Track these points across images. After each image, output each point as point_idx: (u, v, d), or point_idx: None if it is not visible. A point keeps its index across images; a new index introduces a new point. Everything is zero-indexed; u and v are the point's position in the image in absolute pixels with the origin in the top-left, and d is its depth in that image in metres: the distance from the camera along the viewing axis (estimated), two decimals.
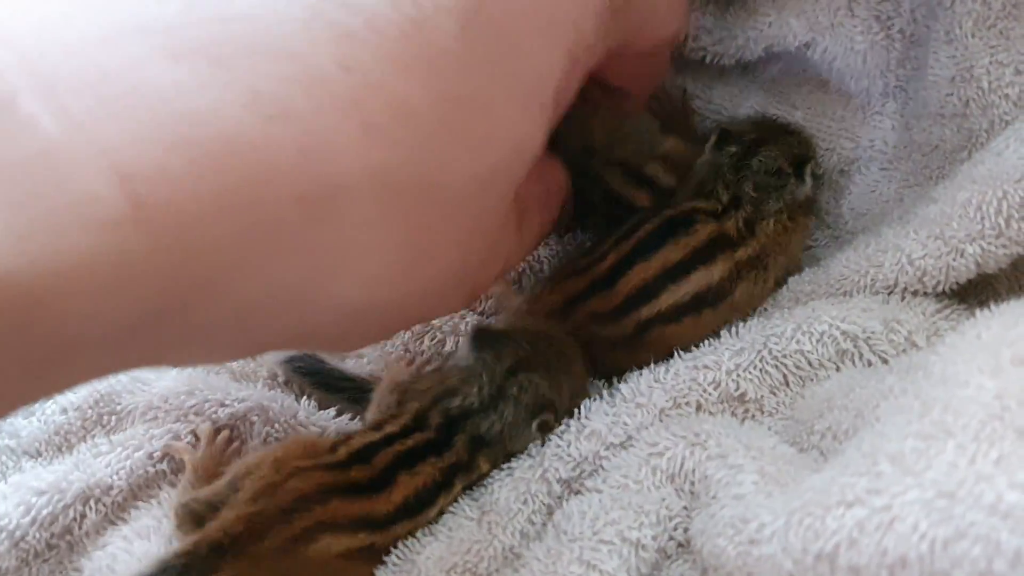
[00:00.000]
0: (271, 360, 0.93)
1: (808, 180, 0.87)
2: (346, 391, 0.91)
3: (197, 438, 0.83)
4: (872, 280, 0.80)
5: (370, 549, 0.72)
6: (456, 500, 0.76)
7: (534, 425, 0.77)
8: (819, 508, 0.57)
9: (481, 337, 0.80)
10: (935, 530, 0.50)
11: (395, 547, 0.73)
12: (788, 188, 0.86)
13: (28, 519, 0.78)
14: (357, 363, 0.96)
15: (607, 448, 0.77)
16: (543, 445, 0.78)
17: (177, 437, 0.83)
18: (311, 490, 0.71)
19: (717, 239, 0.83)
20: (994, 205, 0.73)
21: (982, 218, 0.73)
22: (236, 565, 0.69)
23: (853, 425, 0.67)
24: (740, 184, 0.85)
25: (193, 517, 0.73)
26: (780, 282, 0.86)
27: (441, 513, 0.75)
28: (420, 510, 0.74)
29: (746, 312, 0.85)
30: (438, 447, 0.76)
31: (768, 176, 0.85)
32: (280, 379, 0.92)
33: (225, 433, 0.83)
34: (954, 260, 0.75)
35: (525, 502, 0.75)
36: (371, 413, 0.83)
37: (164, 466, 0.82)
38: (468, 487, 0.77)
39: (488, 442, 0.77)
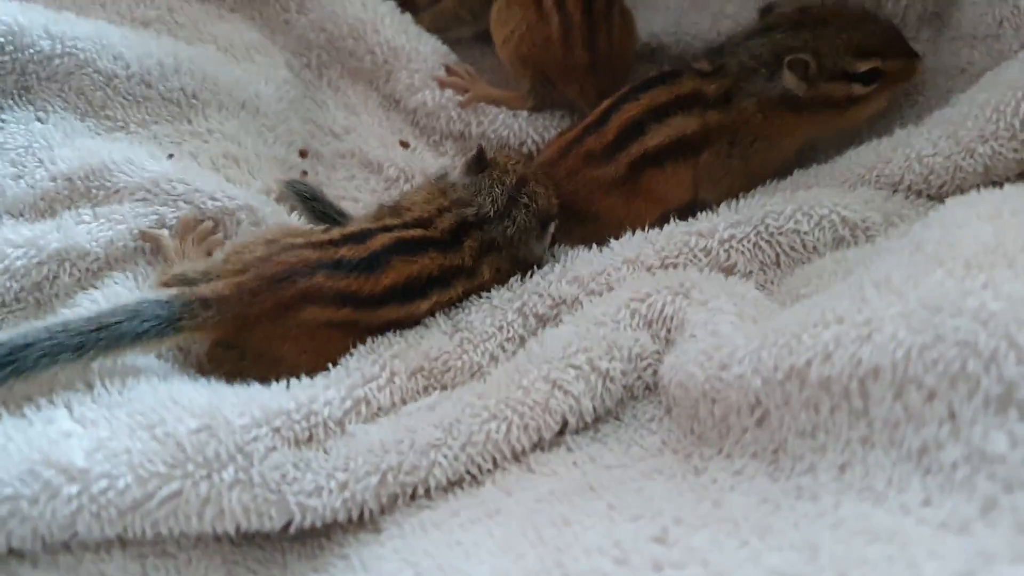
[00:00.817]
0: (268, 177, 0.92)
1: (784, 77, 0.84)
2: (335, 222, 0.90)
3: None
4: (878, 175, 0.80)
5: (354, 325, 0.73)
6: (453, 304, 0.77)
7: (549, 229, 0.82)
8: (797, 328, 0.57)
9: (480, 158, 0.81)
10: (913, 337, 0.50)
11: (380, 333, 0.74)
12: (761, 76, 0.86)
13: (0, 267, 0.77)
14: (352, 207, 0.96)
15: (587, 294, 0.77)
16: (551, 255, 0.82)
17: (163, 220, 0.82)
18: (298, 263, 0.71)
19: (698, 94, 0.86)
20: (1011, 106, 0.73)
21: (997, 119, 0.73)
22: (222, 327, 0.69)
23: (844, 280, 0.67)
24: (732, 56, 0.87)
25: (186, 281, 0.72)
26: (751, 172, 0.87)
27: (433, 312, 0.76)
28: (410, 299, 0.74)
29: (711, 183, 0.87)
30: (442, 246, 0.77)
31: (752, 59, 0.86)
32: (272, 196, 0.90)
33: (208, 223, 0.82)
34: (964, 160, 0.75)
35: (500, 328, 0.75)
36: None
37: (145, 244, 0.81)
38: (468, 293, 0.78)
39: (497, 247, 0.79)
